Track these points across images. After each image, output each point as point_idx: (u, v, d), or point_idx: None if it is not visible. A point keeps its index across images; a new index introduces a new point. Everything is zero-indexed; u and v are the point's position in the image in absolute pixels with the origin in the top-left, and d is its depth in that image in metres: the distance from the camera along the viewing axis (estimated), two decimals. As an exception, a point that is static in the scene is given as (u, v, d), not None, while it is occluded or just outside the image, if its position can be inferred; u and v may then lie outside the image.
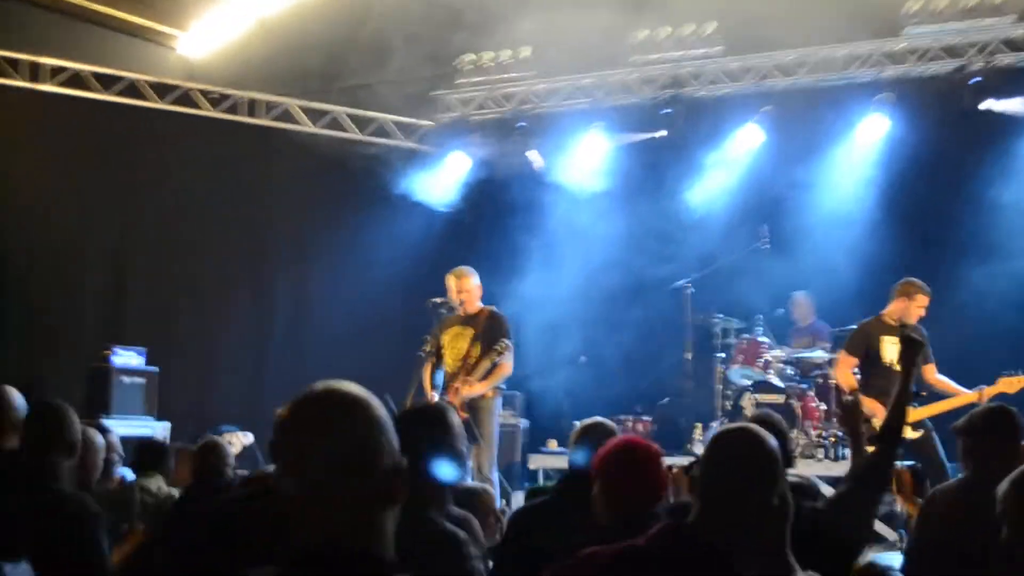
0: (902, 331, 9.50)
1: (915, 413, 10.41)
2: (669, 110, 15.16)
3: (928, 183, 13.90)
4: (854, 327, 12.22)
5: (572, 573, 3.92)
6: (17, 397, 6.33)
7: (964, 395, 10.60)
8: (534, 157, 15.81)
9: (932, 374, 10.95)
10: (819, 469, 11.64)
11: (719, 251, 14.31)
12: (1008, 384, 10.46)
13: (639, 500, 5.16)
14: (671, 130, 15.19)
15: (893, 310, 11.15)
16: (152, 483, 8.45)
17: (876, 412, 10.29)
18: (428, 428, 4.90)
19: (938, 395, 10.80)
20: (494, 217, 15.65)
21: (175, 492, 8.33)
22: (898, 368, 10.50)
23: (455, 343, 11.22)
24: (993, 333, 12.42)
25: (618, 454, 5.32)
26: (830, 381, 12.97)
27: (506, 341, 10.96)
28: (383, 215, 15.17)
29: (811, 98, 14.75)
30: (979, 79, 13.71)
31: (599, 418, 6.52)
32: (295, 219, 16.20)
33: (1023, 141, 13.62)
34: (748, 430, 3.95)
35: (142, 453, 8.89)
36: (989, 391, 10.42)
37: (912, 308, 11.03)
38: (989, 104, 13.68)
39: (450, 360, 11.23)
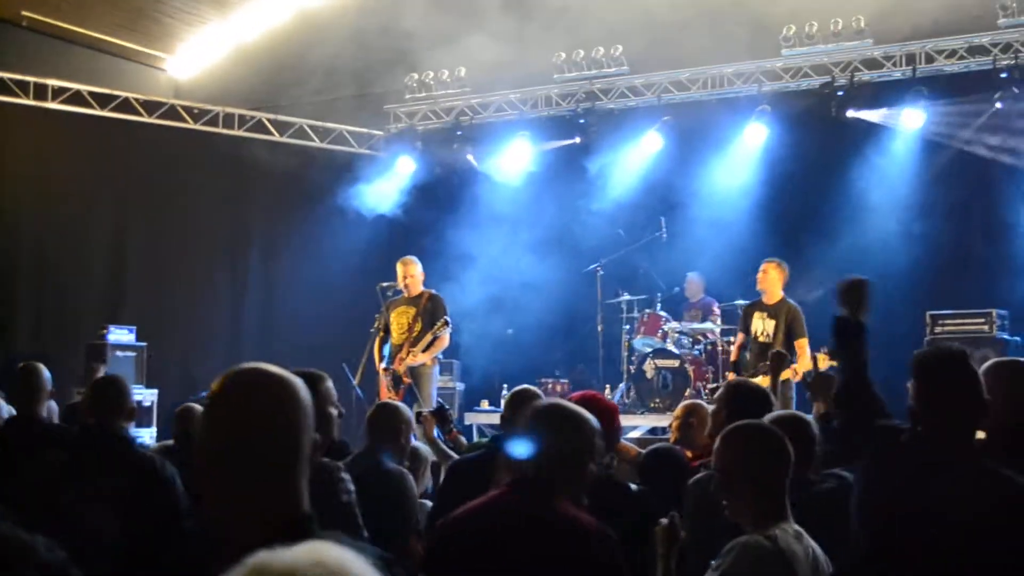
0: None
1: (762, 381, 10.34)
2: (584, 120, 15.21)
3: (799, 181, 14.01)
4: (740, 302, 12.38)
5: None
6: (46, 371, 6.64)
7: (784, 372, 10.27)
8: (470, 159, 15.75)
9: (801, 348, 10.72)
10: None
11: (625, 239, 14.23)
12: (821, 360, 10.05)
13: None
14: (585, 137, 15.24)
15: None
16: None
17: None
18: None
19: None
20: (436, 212, 15.50)
21: None
22: (760, 340, 10.69)
23: (400, 320, 11.31)
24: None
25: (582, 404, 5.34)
26: (717, 348, 13.08)
27: (444, 318, 11.08)
28: (341, 212, 15.06)
29: (703, 109, 14.80)
30: (842, 93, 13.81)
31: (527, 385, 6.51)
32: (266, 215, 16.09)
33: (879, 146, 13.68)
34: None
35: None
36: (801, 368, 10.32)
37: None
38: (851, 114, 13.74)
39: (396, 334, 11.32)
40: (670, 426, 7.14)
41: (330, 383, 4.75)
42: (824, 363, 9.99)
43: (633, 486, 5.28)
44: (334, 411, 4.83)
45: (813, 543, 3.91)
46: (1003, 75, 13.10)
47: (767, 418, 4.76)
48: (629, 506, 4.97)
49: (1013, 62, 13.15)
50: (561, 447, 3.84)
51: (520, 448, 3.89)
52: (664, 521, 4.14)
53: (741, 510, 3.93)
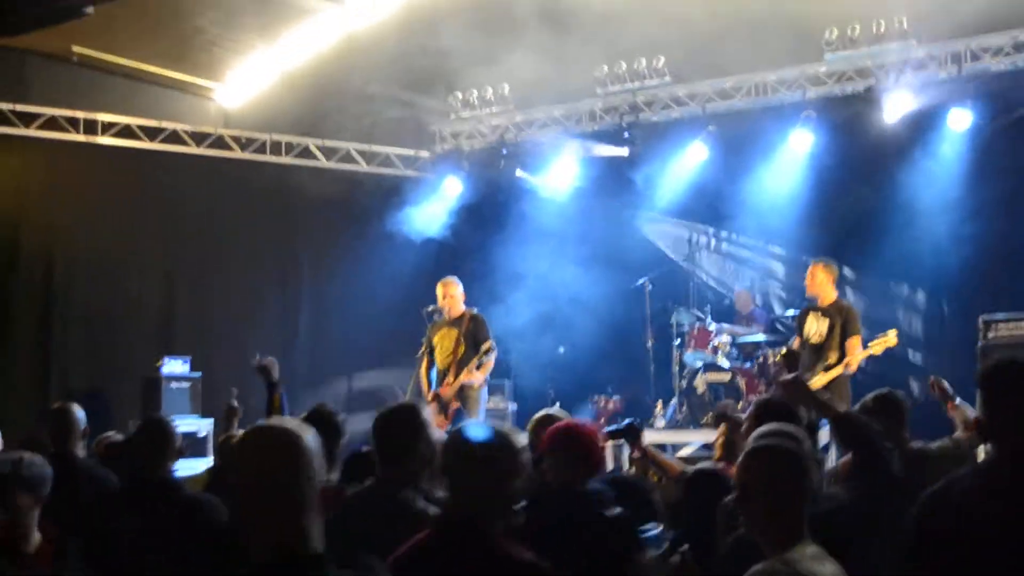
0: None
1: (819, 380, 10.15)
2: (629, 133, 15.03)
3: (847, 187, 13.76)
4: (790, 312, 12.19)
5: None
6: (80, 411, 6.91)
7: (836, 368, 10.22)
8: (521, 174, 15.66)
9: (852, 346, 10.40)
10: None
11: (673, 252, 14.10)
12: (875, 346, 10.14)
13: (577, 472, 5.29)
14: (631, 149, 15.01)
15: None
16: None
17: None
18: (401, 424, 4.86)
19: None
20: (484, 232, 15.44)
21: None
22: (812, 341, 10.47)
23: (443, 343, 11.23)
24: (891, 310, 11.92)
25: (560, 434, 5.41)
26: (769, 361, 12.85)
27: (490, 342, 10.97)
28: (389, 235, 15.03)
29: (747, 118, 14.52)
30: (887, 95, 13.51)
31: (549, 411, 6.90)
32: (315, 241, 16.03)
33: (926, 148, 13.40)
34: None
35: None
36: (853, 361, 10.15)
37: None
38: (897, 115, 13.45)
39: (440, 358, 11.26)
40: (715, 443, 7.13)
41: (425, 412, 4.88)
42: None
43: (617, 511, 5.16)
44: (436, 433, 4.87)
45: (835, 564, 3.77)
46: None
47: (756, 432, 4.65)
48: (599, 533, 4.94)
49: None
50: (477, 480, 3.76)
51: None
52: (676, 559, 4.04)
53: (758, 530, 3.84)
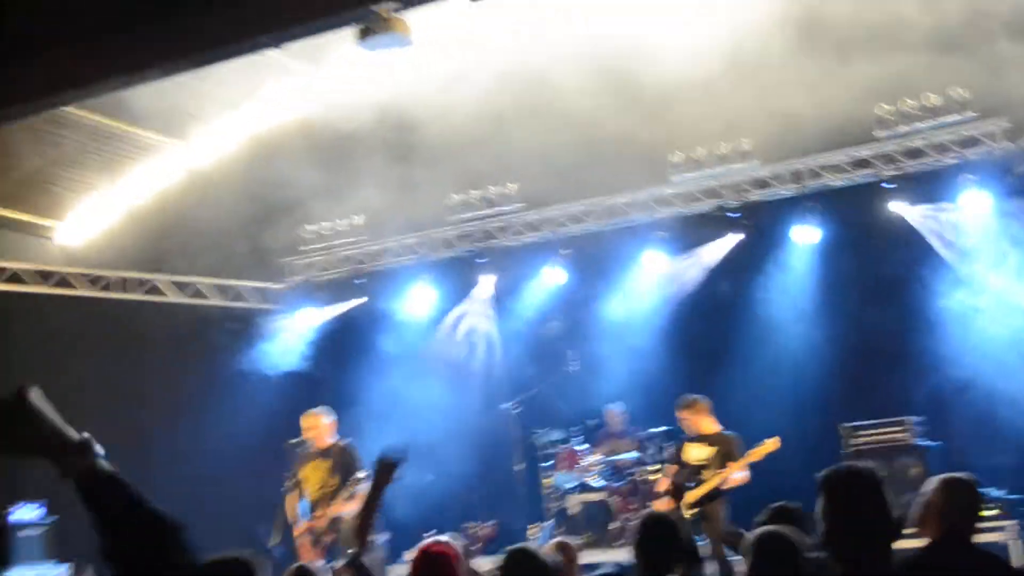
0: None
1: (691, 495, 10.20)
2: (483, 259, 15.11)
3: (704, 303, 14.03)
4: (656, 429, 12.23)
5: None
6: None
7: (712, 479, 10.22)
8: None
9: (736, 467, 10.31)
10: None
11: (536, 375, 14.08)
12: (754, 453, 10.10)
13: None
14: (488, 277, 15.14)
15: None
16: None
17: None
18: None
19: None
20: (343, 362, 15.21)
21: None
22: (693, 463, 10.42)
23: (313, 475, 10.90)
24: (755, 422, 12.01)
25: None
26: (641, 478, 12.92)
27: (362, 471, 10.66)
28: (244, 372, 14.74)
29: (600, 240, 14.75)
30: (734, 214, 13.91)
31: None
32: (166, 381, 15.40)
33: (778, 262, 13.77)
34: None
35: None
36: (734, 468, 10.15)
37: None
38: (744, 235, 13.91)
39: (311, 491, 10.88)
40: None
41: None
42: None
43: None
44: None
45: None
46: (891, 185, 13.30)
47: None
48: None
49: (898, 173, 13.38)
50: None
51: None
52: None
53: None
